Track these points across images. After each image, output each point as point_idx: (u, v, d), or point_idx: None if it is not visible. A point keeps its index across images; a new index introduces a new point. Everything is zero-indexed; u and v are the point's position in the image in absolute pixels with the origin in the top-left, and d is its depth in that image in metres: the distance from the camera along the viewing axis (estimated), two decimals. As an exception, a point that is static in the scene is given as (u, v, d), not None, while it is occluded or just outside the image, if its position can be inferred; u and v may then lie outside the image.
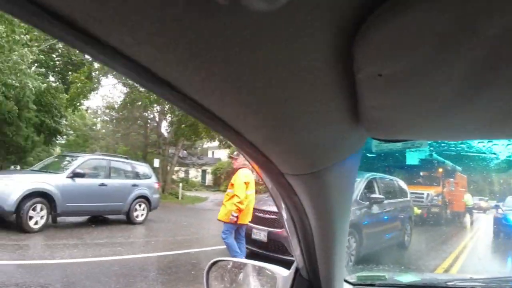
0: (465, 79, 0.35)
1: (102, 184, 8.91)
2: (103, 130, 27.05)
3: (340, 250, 0.82)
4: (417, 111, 0.46)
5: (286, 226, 0.81)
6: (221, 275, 1.33)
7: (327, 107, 0.43)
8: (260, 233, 6.06)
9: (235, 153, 5.96)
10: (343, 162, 0.61)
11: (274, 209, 6.08)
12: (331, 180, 0.63)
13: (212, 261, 1.30)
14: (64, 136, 26.14)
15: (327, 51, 0.33)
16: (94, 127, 28.92)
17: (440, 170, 10.67)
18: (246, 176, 5.56)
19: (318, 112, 0.44)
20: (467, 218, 12.39)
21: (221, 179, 24.78)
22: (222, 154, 28.90)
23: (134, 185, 9.78)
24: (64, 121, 23.10)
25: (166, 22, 0.27)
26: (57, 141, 24.66)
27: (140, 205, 9.88)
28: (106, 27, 0.28)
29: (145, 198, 9.98)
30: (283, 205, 0.73)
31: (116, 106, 21.71)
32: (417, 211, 9.71)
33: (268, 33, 0.29)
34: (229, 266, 1.37)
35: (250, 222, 6.21)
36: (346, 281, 1.19)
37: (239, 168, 5.63)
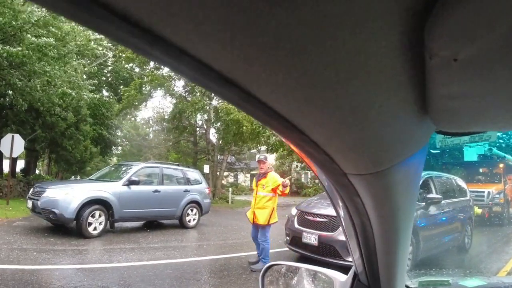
0: None
1: (156, 191, 9.24)
2: (156, 140, 28.13)
3: (402, 255, 0.78)
4: (493, 99, 0.42)
5: (345, 228, 0.78)
6: (276, 279, 1.33)
7: (395, 98, 0.41)
8: (311, 237, 5.96)
9: (261, 156, 6.10)
10: (409, 159, 0.58)
11: (324, 211, 6.05)
12: (396, 180, 0.59)
13: (267, 265, 1.30)
14: (120, 147, 27.55)
15: (396, 36, 0.31)
16: (147, 137, 30.15)
17: (501, 165, 10.06)
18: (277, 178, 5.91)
19: (385, 104, 0.41)
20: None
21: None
22: (269, 159, 29.04)
23: (186, 191, 10.05)
24: (119, 133, 24.35)
25: (231, 15, 0.26)
26: (113, 152, 26.01)
27: (192, 210, 10.14)
28: (172, 26, 0.27)
29: (196, 203, 10.25)
30: (341, 207, 0.70)
31: (166, 116, 22.52)
32: (478, 210, 9.20)
33: (335, 20, 0.27)
34: (283, 270, 1.36)
35: (299, 225, 6.23)
36: (407, 286, 1.15)
37: (268, 172, 5.93)
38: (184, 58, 0.30)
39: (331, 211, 5.94)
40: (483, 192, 9.77)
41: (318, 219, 6.07)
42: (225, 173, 23.17)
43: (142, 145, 28.07)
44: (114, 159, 27.43)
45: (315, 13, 0.26)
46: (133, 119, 25.28)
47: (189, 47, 0.29)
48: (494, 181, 10.20)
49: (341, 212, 0.73)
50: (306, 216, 6.28)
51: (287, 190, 5.79)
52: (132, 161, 13.51)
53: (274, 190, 5.82)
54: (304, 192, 24.03)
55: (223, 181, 22.57)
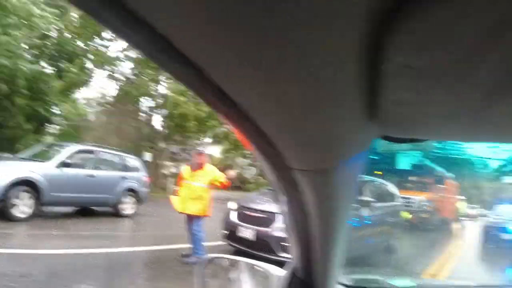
0: (502, 81, 0.34)
1: (90, 175, 8.78)
2: (97, 122, 26.84)
3: (339, 252, 0.81)
4: (441, 110, 0.43)
5: (287, 224, 0.79)
6: (215, 272, 1.34)
7: (345, 100, 0.41)
8: (248, 232, 6.03)
9: (200, 149, 6.25)
10: (351, 161, 0.60)
11: (262, 207, 6.10)
12: (337, 179, 0.61)
13: (206, 257, 1.33)
14: (58, 126, 25.96)
15: (354, 38, 0.31)
16: (87, 118, 28.69)
17: (431, 176, 10.78)
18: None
19: (336, 105, 0.42)
20: (456, 225, 12.47)
21: None
22: (215, 151, 28.80)
23: (123, 178, 9.64)
24: (57, 110, 22.92)
25: None
26: (49, 130, 24.46)
27: (128, 198, 9.75)
28: None
29: (133, 191, 9.85)
30: (284, 202, 0.70)
31: (109, 97, 21.55)
32: (407, 215, 9.75)
33: (295, 16, 0.27)
34: (223, 263, 1.37)
35: (238, 220, 6.25)
36: (340, 283, 1.18)
37: (205, 164, 5.98)
38: (142, 29, 0.29)
39: (269, 207, 6.04)
40: (413, 199, 10.39)
41: (256, 214, 6.14)
42: (168, 163, 22.61)
43: (82, 126, 26.64)
44: (50, 139, 25.82)
45: (278, 9, 0.26)
46: (74, 97, 23.90)
47: (148, 17, 0.28)
48: (424, 190, 10.90)
49: (284, 207, 0.73)
50: (245, 211, 6.34)
51: (229, 182, 5.92)
52: (67, 142, 12.78)
53: (211, 182, 5.85)
54: (247, 187, 24.14)
55: (165, 171, 22.03)
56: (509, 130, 0.47)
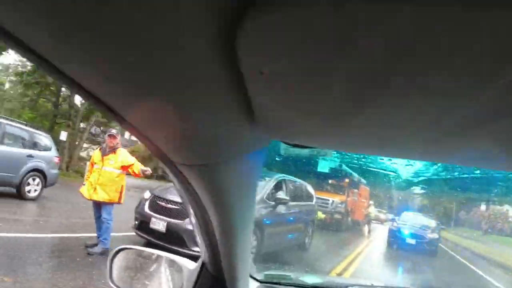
0: (347, 92, 0.35)
1: (-9, 150, 7.85)
2: (11, 92, 24.51)
3: (243, 247, 0.82)
4: (304, 116, 0.44)
5: (192, 218, 0.81)
6: (125, 264, 1.29)
7: (218, 100, 0.43)
8: (159, 223, 5.75)
9: (113, 131, 5.81)
10: (243, 159, 0.62)
11: (177, 198, 5.84)
12: (228, 175, 0.62)
13: (117, 248, 1.25)
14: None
15: (211, 39, 0.31)
16: (2, 87, 26.12)
17: (347, 180, 11.35)
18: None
19: (209, 104, 0.43)
20: (366, 227, 13.26)
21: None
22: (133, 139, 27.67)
23: (30, 156, 8.72)
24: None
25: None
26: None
27: (34, 179, 8.86)
28: None
29: (40, 172, 8.97)
30: (182, 196, 0.73)
31: (28, 67, 19.74)
32: (321, 215, 10.17)
33: (145, 13, 0.27)
34: (133, 255, 1.34)
35: (150, 210, 5.97)
36: (252, 277, 1.21)
37: (117, 148, 5.64)
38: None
39: (184, 199, 5.85)
40: (328, 200, 10.85)
41: (169, 205, 5.87)
42: (86, 145, 21.30)
43: (-4, 94, 24.14)
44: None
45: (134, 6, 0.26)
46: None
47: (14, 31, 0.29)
48: (338, 193, 11.45)
49: (184, 201, 0.76)
50: (157, 201, 6.03)
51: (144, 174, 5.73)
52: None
53: (124, 168, 5.53)
54: (170, 179, 23.40)
55: (82, 153, 20.71)
56: (371, 140, 0.47)
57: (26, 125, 9.56)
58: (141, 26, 0.28)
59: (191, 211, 0.76)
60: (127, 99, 0.41)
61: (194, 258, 1.06)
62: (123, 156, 5.61)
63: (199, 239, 0.85)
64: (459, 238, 13.08)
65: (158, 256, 1.26)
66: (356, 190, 12.31)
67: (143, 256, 1.32)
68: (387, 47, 0.27)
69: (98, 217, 5.57)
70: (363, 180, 12.36)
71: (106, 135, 5.77)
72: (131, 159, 5.62)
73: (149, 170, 5.63)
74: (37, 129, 9.88)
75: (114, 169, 5.51)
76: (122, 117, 0.45)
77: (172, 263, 1.20)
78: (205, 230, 0.77)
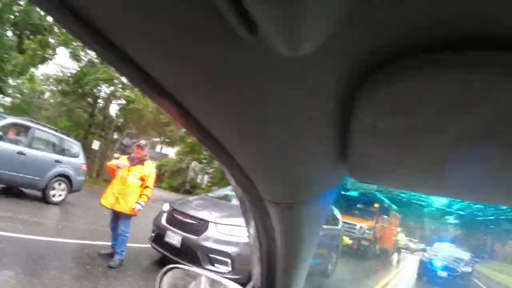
0: (456, 147, 0.37)
1: (21, 153, 7.94)
2: (51, 101, 25.53)
3: (299, 279, 0.85)
4: (403, 165, 0.47)
5: (251, 245, 0.82)
6: (174, 283, 1.30)
7: (319, 145, 0.46)
8: (174, 237, 5.50)
9: (142, 142, 5.63)
10: (321, 197, 0.64)
11: (195, 213, 5.65)
12: (306, 213, 0.65)
13: (166, 268, 1.26)
14: (10, 99, 24.42)
15: (330, 94, 0.35)
16: (42, 95, 27.28)
17: (376, 205, 10.86)
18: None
19: (310, 147, 0.46)
20: (395, 256, 12.62)
21: (164, 176, 23.73)
22: (171, 152, 28.02)
23: (57, 161, 8.83)
24: (11, 81, 21.56)
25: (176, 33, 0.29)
26: (0, 102, 22.98)
27: (59, 184, 8.95)
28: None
29: (66, 177, 9.05)
30: (252, 226, 0.74)
31: (68, 78, 20.52)
32: (347, 241, 9.72)
33: (278, 70, 0.31)
34: (182, 274, 1.35)
35: (166, 223, 5.77)
36: None
37: (146, 160, 5.47)
38: (98, 38, 0.31)
39: (203, 214, 5.62)
40: (356, 225, 10.39)
41: (186, 219, 5.62)
42: (117, 155, 21.73)
43: (35, 103, 25.20)
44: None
45: (264, 61, 0.30)
46: (32, 71, 22.64)
47: (103, 28, 0.30)
48: (367, 218, 10.95)
49: (251, 230, 0.77)
50: (175, 214, 5.80)
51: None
52: (2, 112, 11.82)
53: (143, 179, 5.35)
54: (196, 193, 23.58)
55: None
56: (471, 187, 0.49)
57: (56, 131, 9.71)
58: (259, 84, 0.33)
59: (256, 239, 0.77)
60: (234, 140, 0.45)
61: (242, 283, 1.07)
62: (150, 170, 5.44)
63: (256, 264, 0.85)
64: (493, 272, 12.23)
65: (207, 278, 1.29)
66: (386, 217, 11.77)
67: (191, 275, 1.35)
68: (495, 115, 0.30)
69: (114, 227, 5.42)
70: (393, 206, 11.81)
71: (135, 145, 5.61)
72: (149, 172, 5.42)
73: (139, 208, 5.29)
74: (67, 135, 10.02)
75: (138, 180, 5.34)
76: (233, 156, 0.48)
77: (219, 285, 1.22)
78: (266, 260, 0.79)
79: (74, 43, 18.27)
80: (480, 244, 13.13)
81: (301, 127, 0.41)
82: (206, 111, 0.39)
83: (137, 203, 5.27)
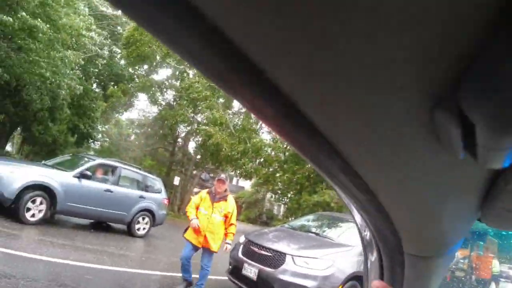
0: None
1: (108, 190, 8.58)
2: (136, 142, 27.57)
3: None
4: None
5: (368, 283, 0.81)
6: None
7: (463, 199, 0.48)
8: (251, 270, 5.38)
9: (222, 176, 5.54)
10: (453, 247, 0.65)
11: (271, 245, 5.54)
12: (440, 264, 0.67)
13: None
14: (99, 142, 26.86)
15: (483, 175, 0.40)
16: (127, 139, 29.58)
17: (471, 232, 9.84)
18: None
19: (455, 201, 0.48)
20: (493, 286, 11.25)
21: (241, 208, 24.10)
22: (247, 184, 28.44)
23: (141, 197, 9.38)
24: (100, 127, 23.74)
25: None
26: (90, 145, 25.34)
27: (143, 218, 9.45)
28: None
29: (150, 212, 9.54)
30: (377, 267, 0.73)
31: (149, 121, 22.11)
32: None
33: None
34: None
35: (243, 255, 5.70)
36: None
37: (227, 195, 5.39)
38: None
39: (279, 246, 5.48)
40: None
41: (262, 251, 5.49)
42: (196, 190, 22.55)
43: (121, 145, 27.40)
44: (90, 153, 26.78)
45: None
46: (118, 116, 24.77)
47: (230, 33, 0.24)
48: (462, 246, 9.95)
49: (373, 272, 0.75)
50: (251, 246, 5.70)
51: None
52: (92, 155, 12.88)
53: (226, 216, 5.33)
54: (273, 224, 23.50)
55: (192, 196, 21.92)
56: None
57: (140, 169, 10.37)
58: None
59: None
60: (390, 191, 0.46)
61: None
62: (232, 206, 5.41)
63: None
64: None
65: None
66: (481, 243, 10.61)
67: None
68: None
69: (188, 258, 5.33)
70: (490, 231, 10.62)
71: (216, 179, 5.53)
72: (232, 209, 5.38)
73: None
74: (150, 173, 10.63)
75: (222, 217, 5.31)
76: (386, 211, 0.49)
77: None
78: None
79: (153, 89, 19.71)
80: None
81: (451, 189, 0.44)
82: (363, 157, 0.38)
83: (226, 242, 5.32)
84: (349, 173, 0.40)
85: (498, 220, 0.55)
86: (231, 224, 5.35)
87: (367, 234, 0.67)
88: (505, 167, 0.35)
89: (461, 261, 9.69)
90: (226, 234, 5.34)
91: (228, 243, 5.35)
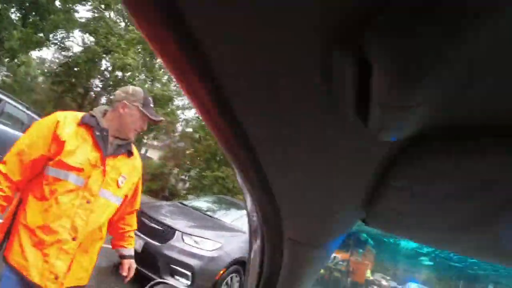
0: (481, 220, 0.41)
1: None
2: (43, 86, 25.24)
3: None
4: (427, 223, 0.51)
5: (250, 268, 0.83)
6: None
7: (350, 194, 0.49)
8: (137, 241, 5.01)
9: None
10: (334, 240, 0.68)
11: (163, 219, 5.33)
12: (319, 254, 0.70)
13: (151, 283, 1.24)
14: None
15: (373, 159, 0.39)
16: (35, 80, 27.00)
17: (352, 238, 10.63)
18: None
19: (342, 196, 0.50)
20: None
21: (144, 180, 22.84)
22: (155, 155, 27.55)
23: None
24: (6, 60, 21.24)
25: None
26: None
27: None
28: None
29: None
30: (257, 253, 0.75)
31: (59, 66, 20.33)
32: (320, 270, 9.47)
33: (347, 140, 0.35)
34: None
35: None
36: None
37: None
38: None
39: (170, 221, 5.30)
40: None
41: (152, 224, 5.25)
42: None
43: (27, 86, 24.82)
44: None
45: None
46: (29, 53, 22.38)
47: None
48: (343, 249, 10.72)
49: (256, 256, 0.76)
50: (141, 217, 5.35)
51: None
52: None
53: None
54: (176, 200, 22.89)
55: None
56: (489, 249, 0.53)
57: (28, 108, 8.95)
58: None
59: (256, 266, 0.77)
60: (281, 177, 0.46)
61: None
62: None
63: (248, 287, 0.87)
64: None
65: None
66: (361, 250, 11.56)
67: None
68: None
69: None
70: (370, 241, 11.62)
71: None
72: None
73: None
74: (40, 116, 9.44)
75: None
76: (275, 197, 0.50)
77: None
78: (265, 287, 0.80)
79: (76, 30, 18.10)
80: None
81: (338, 179, 0.45)
82: (264, 135, 0.37)
83: None
84: (246, 149, 0.40)
85: (383, 222, 0.57)
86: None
87: (255, 219, 0.66)
88: (394, 158, 0.37)
89: (340, 263, 10.46)
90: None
91: None
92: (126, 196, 2.06)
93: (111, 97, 18.05)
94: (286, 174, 0.45)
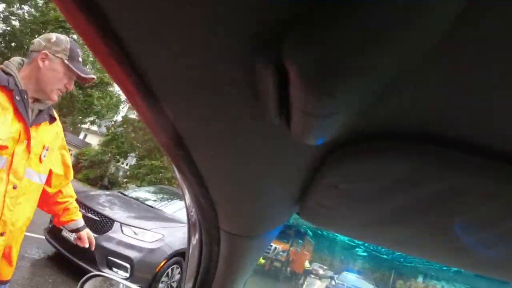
0: (396, 212, 0.45)
1: None
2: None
3: None
4: (354, 218, 0.54)
5: (189, 260, 0.85)
6: None
7: (282, 189, 0.51)
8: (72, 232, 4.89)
9: None
10: (270, 232, 0.70)
11: (100, 209, 5.14)
12: (255, 245, 0.72)
13: (87, 276, 1.23)
14: None
15: (303, 158, 0.40)
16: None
17: (293, 229, 10.93)
18: None
19: (274, 190, 0.51)
20: (303, 280, 12.77)
21: (81, 167, 21.72)
22: (95, 141, 26.41)
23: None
24: None
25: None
26: None
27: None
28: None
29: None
30: (195, 246, 0.77)
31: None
32: (261, 260, 9.61)
33: (275, 140, 0.36)
34: (103, 283, 1.34)
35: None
36: None
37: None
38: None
39: (108, 211, 5.13)
40: (271, 246, 10.32)
41: (89, 214, 5.03)
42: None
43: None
44: None
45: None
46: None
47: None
48: (283, 240, 10.98)
49: (194, 248, 0.79)
50: (80, 208, 5.18)
51: None
52: None
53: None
54: (114, 189, 22.00)
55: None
56: (407, 244, 0.59)
57: None
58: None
59: (195, 258, 0.79)
60: (213, 170, 0.46)
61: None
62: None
63: (189, 280, 0.86)
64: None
65: (124, 286, 1.31)
66: (301, 241, 11.92)
67: (112, 284, 1.35)
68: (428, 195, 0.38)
69: None
70: (309, 232, 12.01)
71: None
72: None
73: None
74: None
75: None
76: (208, 189, 0.50)
77: None
78: (203, 278, 0.81)
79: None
80: (384, 278, 13.79)
81: (271, 175, 0.45)
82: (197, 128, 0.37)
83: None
84: (178, 145, 0.40)
85: (313, 216, 0.60)
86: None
87: (193, 212, 0.67)
88: (324, 153, 0.38)
89: (281, 253, 10.71)
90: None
91: None
92: (50, 170, 1.78)
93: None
94: (219, 170, 0.46)
